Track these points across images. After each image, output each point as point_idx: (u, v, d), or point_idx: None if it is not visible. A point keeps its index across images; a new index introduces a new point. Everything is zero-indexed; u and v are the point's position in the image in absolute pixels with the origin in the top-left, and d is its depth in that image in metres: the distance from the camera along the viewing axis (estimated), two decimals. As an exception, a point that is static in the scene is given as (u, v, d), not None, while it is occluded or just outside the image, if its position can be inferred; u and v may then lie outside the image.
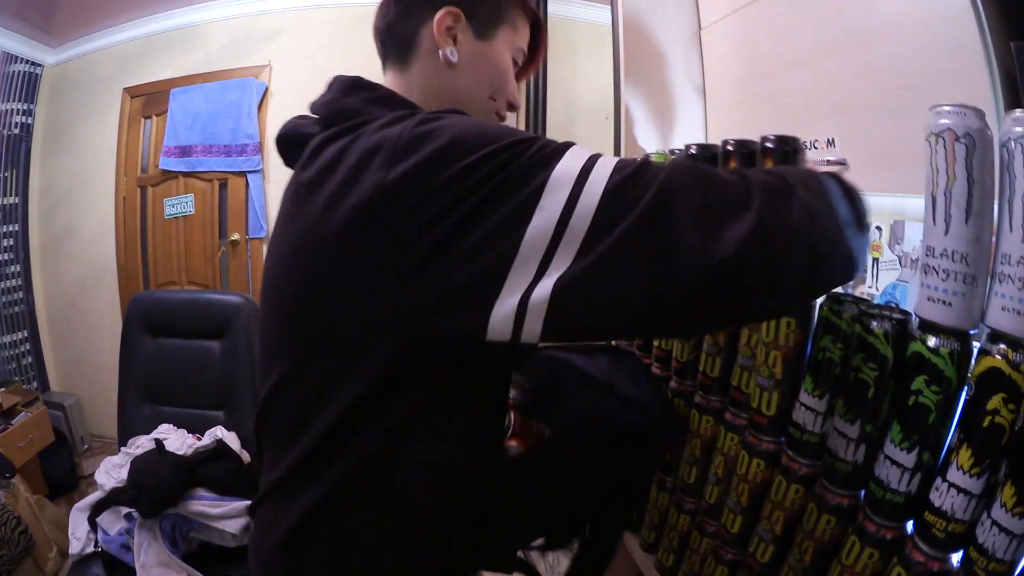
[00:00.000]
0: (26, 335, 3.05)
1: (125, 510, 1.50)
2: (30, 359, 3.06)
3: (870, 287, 1.34)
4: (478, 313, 0.50)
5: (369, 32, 0.76)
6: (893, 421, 0.63)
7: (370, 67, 0.75)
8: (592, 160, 0.50)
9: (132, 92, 3.03)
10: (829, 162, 0.88)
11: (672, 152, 0.93)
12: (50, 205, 3.14)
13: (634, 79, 1.22)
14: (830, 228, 0.49)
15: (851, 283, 1.38)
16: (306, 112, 0.68)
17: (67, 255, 3.15)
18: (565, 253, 0.48)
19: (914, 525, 0.63)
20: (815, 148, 0.92)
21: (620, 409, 0.80)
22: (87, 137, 3.08)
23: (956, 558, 0.59)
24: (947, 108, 0.57)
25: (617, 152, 1.25)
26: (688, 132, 1.26)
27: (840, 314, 0.70)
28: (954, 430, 0.59)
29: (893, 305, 0.70)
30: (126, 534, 1.48)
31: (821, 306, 0.73)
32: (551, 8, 2.40)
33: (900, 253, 1.28)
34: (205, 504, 1.44)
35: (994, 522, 0.53)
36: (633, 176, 0.49)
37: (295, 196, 0.61)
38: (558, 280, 0.48)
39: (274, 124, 2.18)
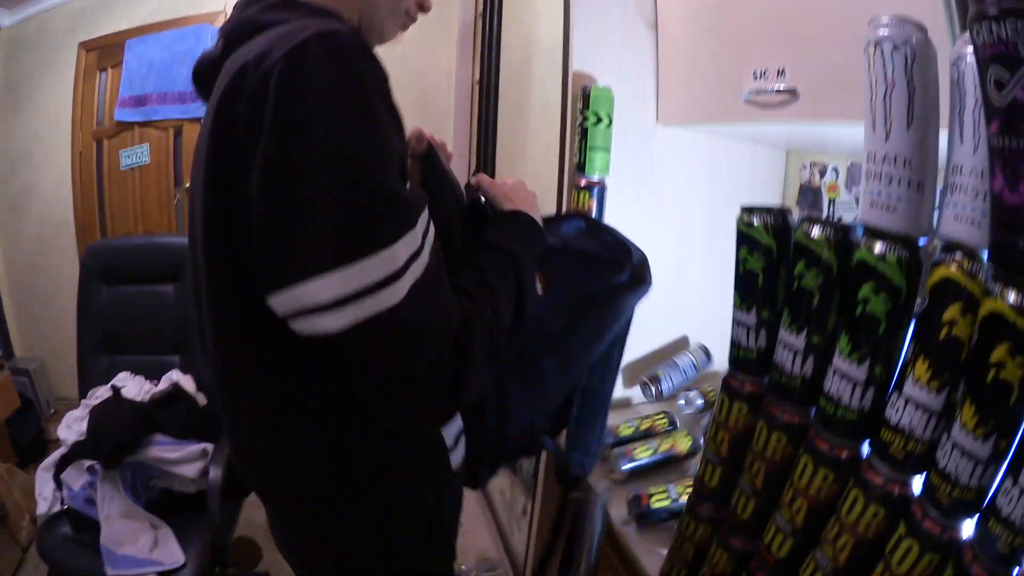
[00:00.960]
0: (-12, 301, 2.97)
1: (87, 463, 1.47)
2: (-8, 325, 2.98)
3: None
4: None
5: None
6: (841, 332, 0.62)
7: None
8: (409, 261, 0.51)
9: (87, 46, 2.95)
10: (779, 91, 0.87)
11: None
12: (7, 167, 3.06)
13: (583, 9, 1.21)
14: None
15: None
16: None
17: (26, 216, 3.08)
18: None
19: (870, 445, 0.62)
20: (764, 77, 0.92)
21: (582, 268, 0.80)
22: (43, 95, 3.00)
23: (918, 484, 0.57)
24: (885, 19, 0.56)
25: (565, 82, 1.25)
26: (638, 64, 1.26)
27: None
28: (909, 343, 0.58)
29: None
30: (89, 488, 1.46)
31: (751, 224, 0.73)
32: None
33: (857, 195, 1.27)
34: (163, 449, 1.42)
35: (955, 444, 0.51)
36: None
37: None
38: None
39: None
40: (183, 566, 1.34)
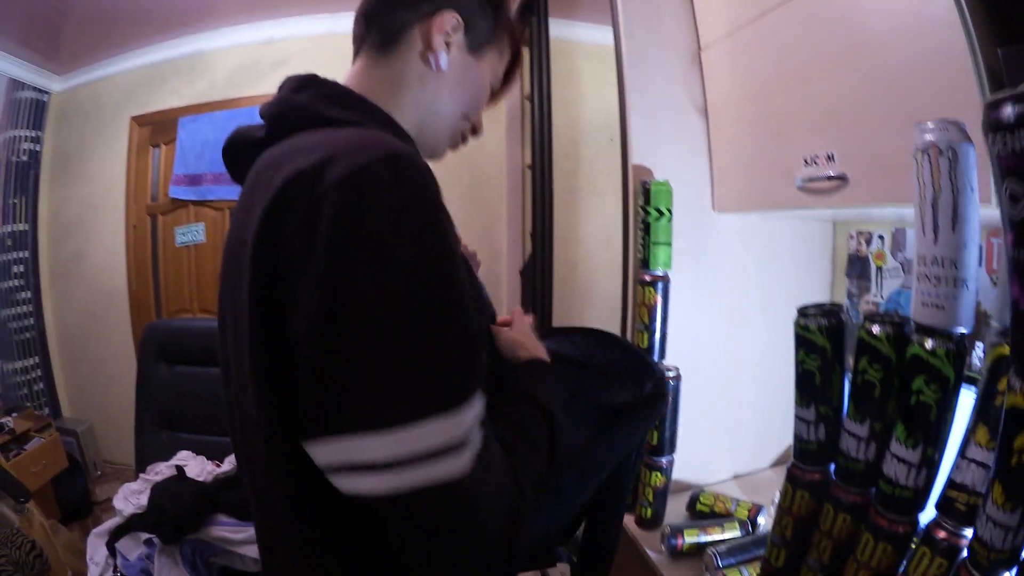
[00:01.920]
0: (37, 361, 3.07)
1: (145, 536, 1.50)
2: (42, 385, 3.08)
3: (875, 295, 1.37)
4: None
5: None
6: (897, 420, 0.66)
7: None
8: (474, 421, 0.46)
9: (140, 120, 3.05)
10: (830, 177, 0.90)
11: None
12: (59, 232, 3.16)
13: (637, 101, 1.24)
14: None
15: (856, 293, 1.41)
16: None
17: (77, 282, 3.17)
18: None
19: (937, 504, 0.66)
20: (816, 164, 0.94)
21: (603, 383, 0.78)
22: (95, 164, 3.09)
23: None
24: (930, 125, 0.61)
25: (624, 175, 1.27)
26: (692, 151, 1.28)
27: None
28: (972, 414, 0.64)
29: (892, 312, 0.74)
30: (146, 559, 1.49)
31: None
32: (553, 31, 2.40)
33: (903, 260, 1.30)
34: (226, 530, 1.44)
35: (989, 518, 0.56)
36: None
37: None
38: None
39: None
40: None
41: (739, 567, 1.00)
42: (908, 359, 0.64)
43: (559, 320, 2.54)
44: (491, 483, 0.46)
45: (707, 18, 1.25)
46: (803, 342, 0.76)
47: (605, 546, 0.87)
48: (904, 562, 0.68)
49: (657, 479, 1.18)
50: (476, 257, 0.82)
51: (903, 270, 1.30)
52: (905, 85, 0.79)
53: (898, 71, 0.80)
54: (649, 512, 1.20)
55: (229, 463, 1.65)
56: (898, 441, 0.65)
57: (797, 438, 0.79)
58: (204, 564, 1.46)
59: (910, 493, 0.65)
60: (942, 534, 0.64)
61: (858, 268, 1.42)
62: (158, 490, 1.49)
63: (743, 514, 1.17)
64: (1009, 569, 0.57)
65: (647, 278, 1.18)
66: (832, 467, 0.75)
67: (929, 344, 0.62)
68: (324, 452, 0.45)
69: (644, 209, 1.19)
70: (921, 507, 0.67)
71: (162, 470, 1.61)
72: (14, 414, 2.52)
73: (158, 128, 3.03)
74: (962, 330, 0.62)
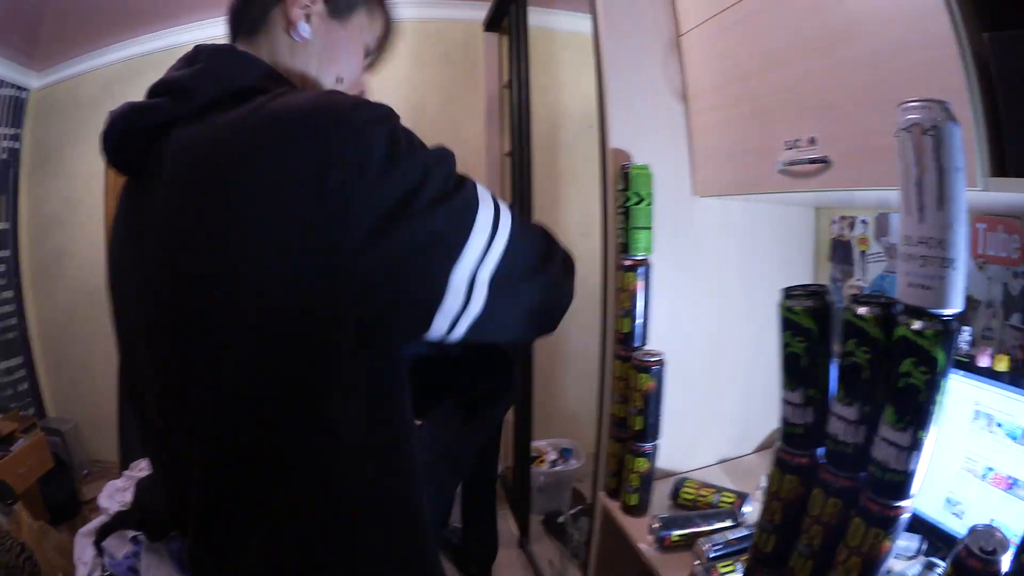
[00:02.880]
0: (21, 361, 3.03)
1: (131, 533, 1.48)
2: (26, 385, 3.03)
3: (858, 279, 1.37)
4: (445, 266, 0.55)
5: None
6: (887, 403, 0.65)
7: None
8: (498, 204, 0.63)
9: None
10: (812, 160, 0.90)
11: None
12: (40, 230, 3.12)
13: (616, 86, 1.23)
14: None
15: (840, 278, 1.41)
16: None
17: (59, 279, 3.13)
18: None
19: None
20: (797, 147, 0.94)
21: (462, 373, 0.80)
22: (75, 160, 3.07)
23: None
24: (913, 104, 0.60)
25: (603, 160, 1.27)
26: (672, 137, 1.28)
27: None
28: None
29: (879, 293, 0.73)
30: (133, 557, 1.47)
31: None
32: (532, 19, 2.38)
33: (886, 244, 1.30)
34: None
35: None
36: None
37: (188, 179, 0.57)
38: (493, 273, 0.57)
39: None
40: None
41: (732, 558, 0.99)
42: (895, 340, 0.63)
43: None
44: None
45: (685, 3, 1.24)
46: (789, 324, 0.75)
47: (487, 520, 0.94)
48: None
49: (642, 465, 1.18)
50: None
51: (887, 255, 1.30)
52: (888, 67, 0.78)
53: (880, 53, 0.79)
54: (635, 499, 1.19)
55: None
56: (887, 424, 0.65)
57: (784, 422, 0.78)
58: (192, 561, 1.45)
59: (901, 477, 0.64)
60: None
61: (841, 253, 1.42)
62: (142, 486, 1.47)
63: (726, 506, 1.17)
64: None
65: (627, 263, 1.18)
66: (821, 451, 0.75)
67: (917, 325, 0.61)
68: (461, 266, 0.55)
69: (623, 194, 1.18)
70: (910, 492, 0.65)
71: (145, 466, 1.59)
72: (-1, 415, 2.49)
73: (137, 121, 2.99)
74: (951, 311, 0.61)
